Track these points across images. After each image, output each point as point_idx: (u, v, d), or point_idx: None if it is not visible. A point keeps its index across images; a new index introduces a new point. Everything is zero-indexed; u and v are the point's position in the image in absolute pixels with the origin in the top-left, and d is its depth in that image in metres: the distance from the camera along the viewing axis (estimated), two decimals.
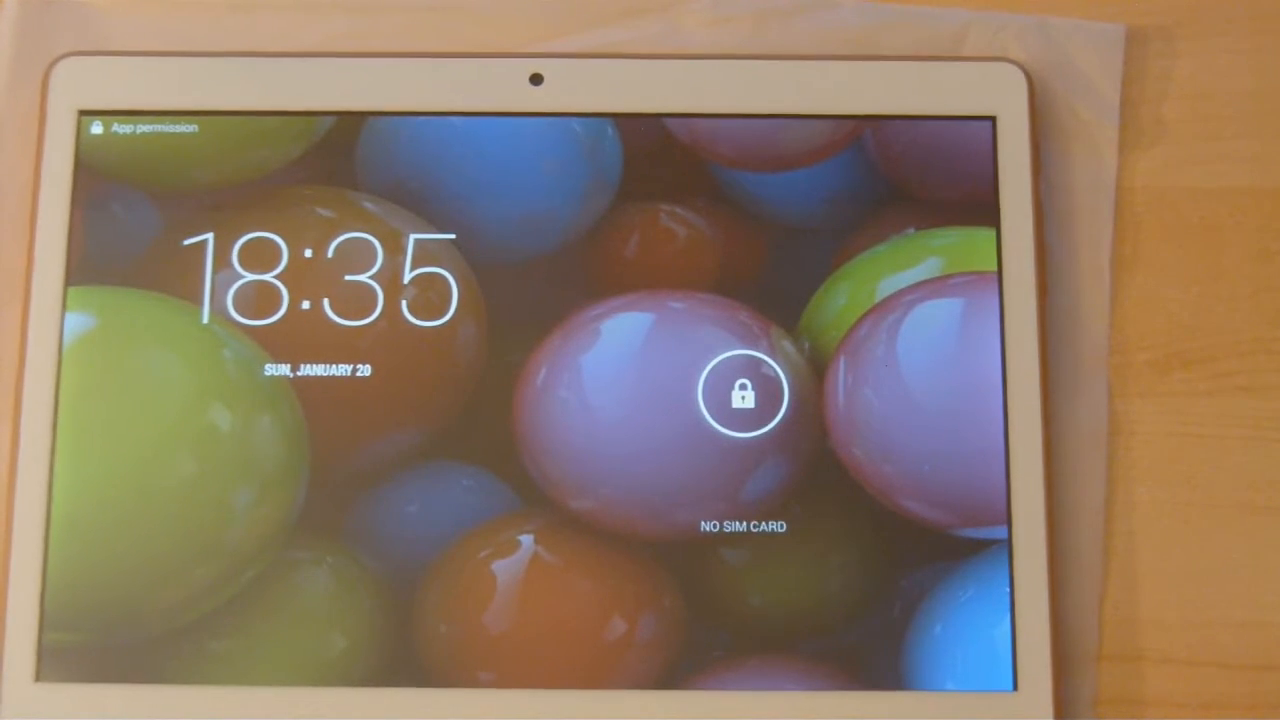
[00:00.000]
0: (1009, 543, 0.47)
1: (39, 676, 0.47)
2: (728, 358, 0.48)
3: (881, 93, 0.50)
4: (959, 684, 0.47)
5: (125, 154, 0.50)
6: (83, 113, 0.50)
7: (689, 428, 0.48)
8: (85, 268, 0.49)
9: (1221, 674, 0.48)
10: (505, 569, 0.47)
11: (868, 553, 0.48)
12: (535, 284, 0.49)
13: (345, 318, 0.49)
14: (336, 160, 0.50)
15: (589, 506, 0.48)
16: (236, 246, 0.49)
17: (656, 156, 0.50)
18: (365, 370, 0.48)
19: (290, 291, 0.49)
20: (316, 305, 0.49)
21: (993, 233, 0.49)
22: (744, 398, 0.48)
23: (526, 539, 0.48)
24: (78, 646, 0.47)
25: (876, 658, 0.47)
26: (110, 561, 0.47)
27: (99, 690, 0.47)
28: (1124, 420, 0.50)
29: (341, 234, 0.49)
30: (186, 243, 0.49)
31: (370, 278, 0.49)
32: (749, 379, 0.48)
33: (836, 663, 0.47)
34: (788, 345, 0.49)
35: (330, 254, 0.49)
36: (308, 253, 0.49)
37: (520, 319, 0.49)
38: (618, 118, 0.50)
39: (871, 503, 0.48)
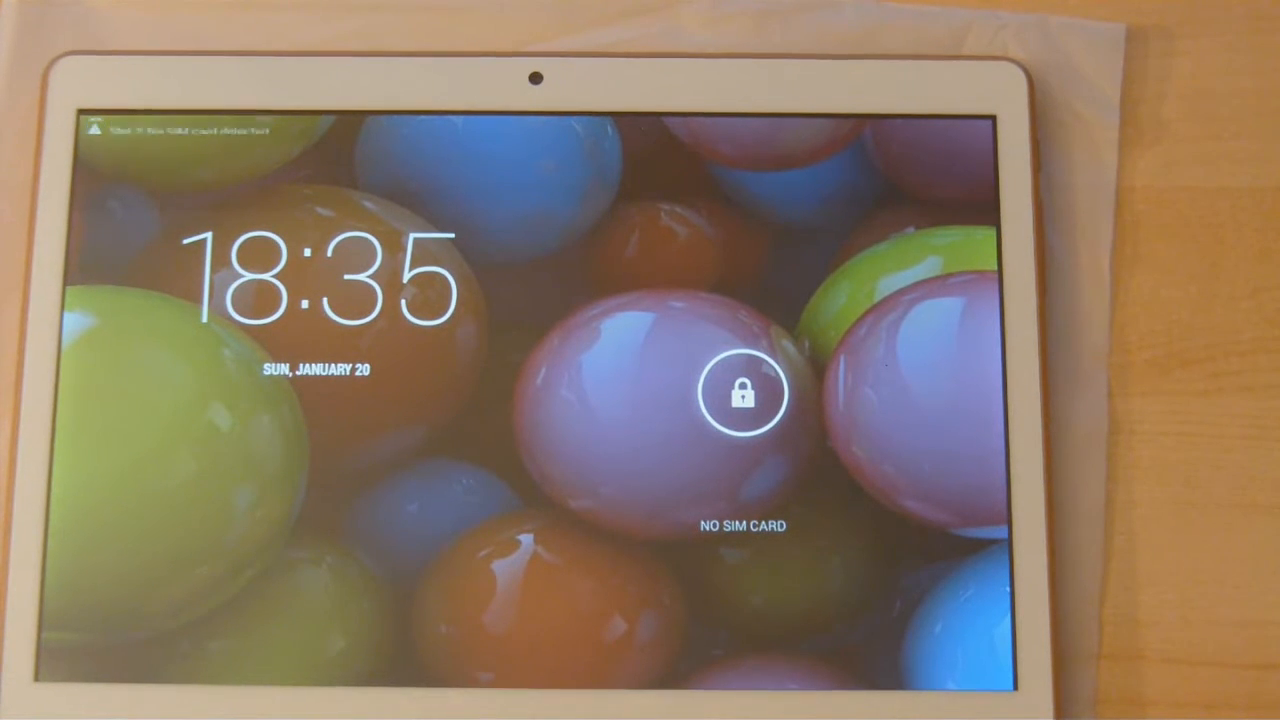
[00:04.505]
0: (1009, 542, 0.47)
1: (38, 676, 0.47)
2: (728, 357, 0.48)
3: (881, 92, 0.50)
4: (959, 684, 0.47)
5: (124, 153, 0.50)
6: (82, 112, 0.50)
7: (689, 427, 0.48)
8: (84, 267, 0.49)
9: (1221, 674, 0.48)
10: (505, 569, 0.47)
11: (868, 553, 0.48)
12: (535, 284, 0.49)
13: (344, 317, 0.49)
14: (336, 159, 0.50)
15: (589, 506, 0.48)
16: (235, 246, 0.49)
17: (656, 156, 0.50)
18: (364, 370, 0.48)
19: (289, 291, 0.49)
20: (316, 305, 0.49)
21: (993, 232, 0.49)
22: (744, 397, 0.48)
23: (526, 539, 0.48)
24: (77, 646, 0.47)
25: (876, 657, 0.47)
26: (110, 561, 0.47)
27: (99, 690, 0.46)
28: (1124, 420, 0.50)
29: (341, 233, 0.49)
30: (185, 242, 0.49)
31: (369, 277, 0.49)
32: (749, 378, 0.48)
33: (836, 663, 0.47)
34: (788, 345, 0.49)
35: (329, 253, 0.49)
36: (307, 252, 0.49)
37: (520, 319, 0.49)
38: (618, 117, 0.50)
39: (871, 503, 0.48)
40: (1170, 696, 0.48)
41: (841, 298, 0.49)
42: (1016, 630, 0.47)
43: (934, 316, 0.48)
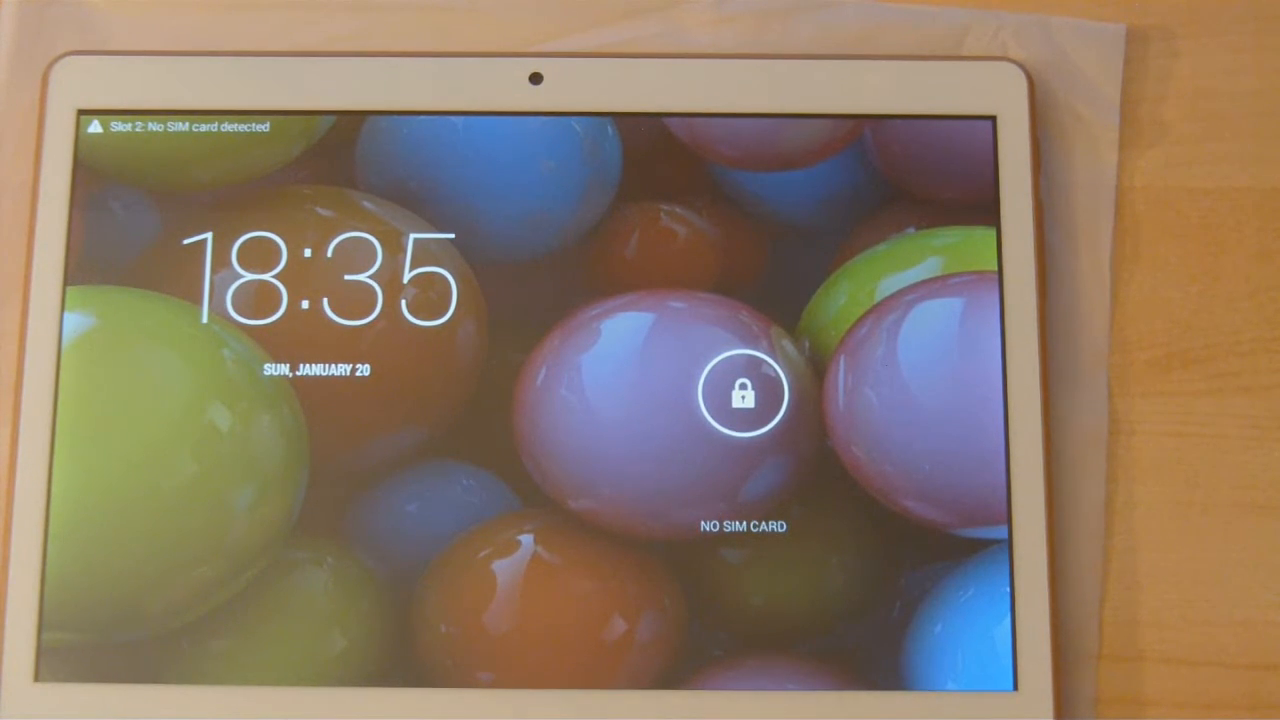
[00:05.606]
0: (1009, 543, 0.47)
1: (38, 676, 0.47)
2: (728, 357, 0.48)
3: (881, 93, 0.50)
4: (959, 684, 0.47)
5: (124, 153, 0.50)
6: (82, 112, 0.50)
7: (689, 428, 0.48)
8: (84, 267, 0.49)
9: (1221, 674, 0.48)
10: (505, 569, 0.47)
11: (868, 553, 0.48)
12: (535, 284, 0.49)
13: (345, 317, 0.49)
14: (336, 160, 0.50)
15: (589, 506, 0.48)
16: (236, 246, 0.49)
17: (656, 156, 0.50)
18: (365, 370, 0.48)
19: (290, 291, 0.49)
20: (316, 305, 0.49)
21: (993, 232, 0.49)
22: (744, 397, 0.48)
23: (526, 539, 0.48)
24: (77, 646, 0.47)
25: (876, 658, 0.47)
26: (110, 561, 0.47)
27: (99, 690, 0.46)
28: (1124, 420, 0.50)
29: (341, 234, 0.49)
30: (185, 242, 0.49)
31: (370, 277, 0.49)
32: (749, 379, 0.48)
33: (836, 663, 0.47)
34: (788, 345, 0.49)
35: (330, 254, 0.49)
36: (307, 252, 0.49)
37: (520, 319, 0.49)
38: (618, 117, 0.50)
39: (871, 503, 0.48)
40: (1170, 696, 0.48)
41: (842, 298, 0.49)
42: (1016, 630, 0.47)
43: (934, 317, 0.48)
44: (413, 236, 0.49)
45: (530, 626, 0.47)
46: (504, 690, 0.47)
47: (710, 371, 0.48)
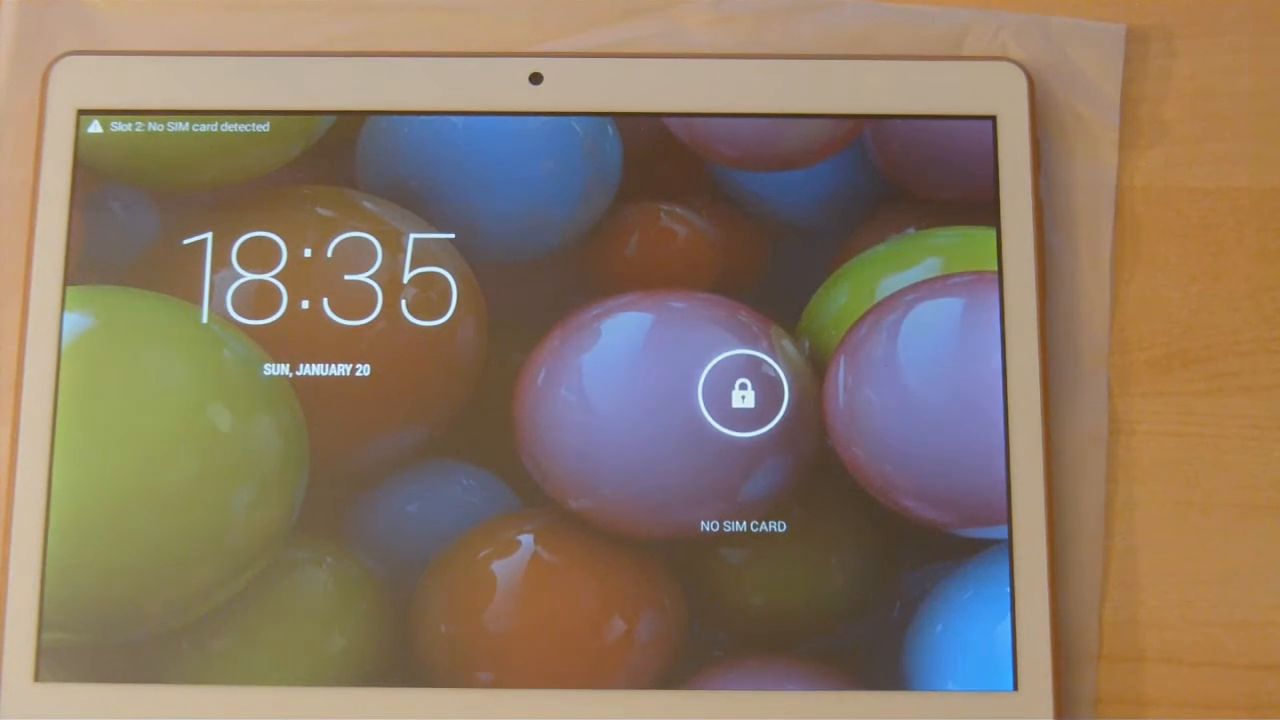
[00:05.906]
0: (1009, 543, 0.47)
1: (38, 676, 0.47)
2: (728, 357, 0.48)
3: (881, 93, 0.50)
4: (959, 684, 0.47)
5: (124, 153, 0.50)
6: (82, 112, 0.50)
7: (689, 428, 0.48)
8: (84, 267, 0.49)
9: (1221, 674, 0.48)
10: (505, 569, 0.47)
11: (868, 553, 0.48)
12: (535, 284, 0.49)
13: (345, 317, 0.49)
14: (336, 160, 0.50)
15: (589, 506, 0.48)
16: (236, 246, 0.49)
17: (656, 156, 0.50)
18: (365, 370, 0.48)
19: (289, 291, 0.49)
20: (316, 305, 0.49)
21: (993, 233, 0.49)
22: (744, 397, 0.48)
23: (526, 539, 0.48)
24: (77, 646, 0.47)
25: (876, 658, 0.47)
26: (110, 561, 0.47)
27: (99, 690, 0.46)
28: (1124, 420, 0.50)
29: (341, 234, 0.49)
30: (185, 242, 0.49)
31: (370, 277, 0.49)
32: (749, 379, 0.48)
33: (836, 663, 0.47)
34: (788, 345, 0.49)
35: (330, 254, 0.49)
36: (307, 252, 0.49)
37: (520, 319, 0.49)
38: (618, 117, 0.50)
39: (871, 503, 0.48)
40: (1170, 696, 0.48)
41: (842, 298, 0.49)
42: (1016, 630, 0.47)
43: (934, 317, 0.48)
44: (413, 236, 0.49)
45: (530, 626, 0.47)
46: (504, 690, 0.47)
47: (710, 371, 0.48)
